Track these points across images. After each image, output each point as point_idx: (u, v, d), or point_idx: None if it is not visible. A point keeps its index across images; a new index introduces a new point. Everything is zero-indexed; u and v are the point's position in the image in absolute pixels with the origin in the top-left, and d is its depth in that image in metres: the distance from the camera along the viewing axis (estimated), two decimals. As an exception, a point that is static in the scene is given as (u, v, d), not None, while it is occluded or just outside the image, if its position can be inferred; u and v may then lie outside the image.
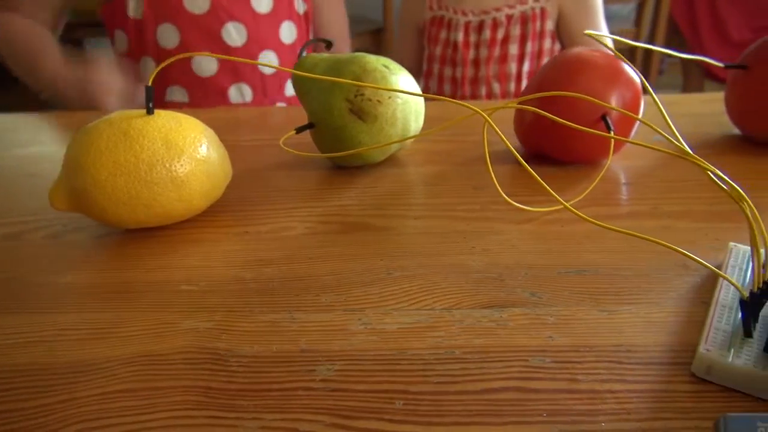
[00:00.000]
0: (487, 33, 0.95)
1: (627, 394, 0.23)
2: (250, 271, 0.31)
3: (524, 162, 0.31)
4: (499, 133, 0.30)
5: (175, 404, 0.23)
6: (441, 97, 0.33)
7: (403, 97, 0.41)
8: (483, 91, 1.00)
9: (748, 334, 0.23)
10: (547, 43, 0.98)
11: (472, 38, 0.96)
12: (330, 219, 0.37)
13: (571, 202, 0.37)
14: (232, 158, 0.42)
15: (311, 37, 0.87)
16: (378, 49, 2.02)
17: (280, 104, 0.90)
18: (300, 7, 0.89)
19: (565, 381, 0.23)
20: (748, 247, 0.30)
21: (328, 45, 0.45)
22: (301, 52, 0.44)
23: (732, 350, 0.23)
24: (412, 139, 0.44)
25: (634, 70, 0.42)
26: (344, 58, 0.42)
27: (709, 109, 0.53)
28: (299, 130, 0.41)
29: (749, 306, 0.23)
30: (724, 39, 1.85)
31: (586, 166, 0.43)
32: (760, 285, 0.23)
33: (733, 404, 0.22)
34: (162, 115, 0.35)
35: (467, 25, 0.95)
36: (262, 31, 0.84)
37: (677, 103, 0.57)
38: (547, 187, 0.32)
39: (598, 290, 0.29)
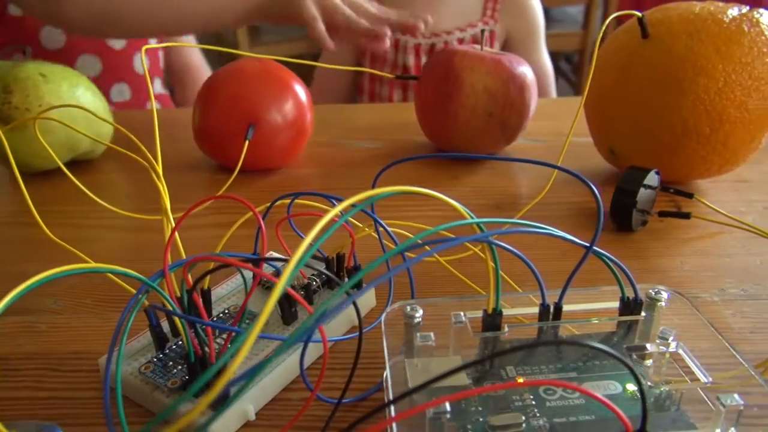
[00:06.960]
0: None
1: (31, 401, 0.23)
2: None
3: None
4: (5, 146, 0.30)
5: None
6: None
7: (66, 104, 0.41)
8: None
9: (159, 348, 0.24)
10: None
11: (424, 61, 0.88)
12: (-47, 226, 0.37)
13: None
14: None
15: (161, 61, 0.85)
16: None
17: None
18: None
19: (-16, 389, 0.24)
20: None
21: (23, 52, 0.46)
22: (-6, 59, 0.44)
23: (131, 361, 0.24)
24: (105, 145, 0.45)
25: (303, 86, 0.43)
26: (7, 65, 0.42)
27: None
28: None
29: (152, 316, 0.24)
30: None
31: (258, 173, 0.44)
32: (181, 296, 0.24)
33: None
34: None
35: (417, 47, 0.88)
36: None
37: (400, 110, 0.59)
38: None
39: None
